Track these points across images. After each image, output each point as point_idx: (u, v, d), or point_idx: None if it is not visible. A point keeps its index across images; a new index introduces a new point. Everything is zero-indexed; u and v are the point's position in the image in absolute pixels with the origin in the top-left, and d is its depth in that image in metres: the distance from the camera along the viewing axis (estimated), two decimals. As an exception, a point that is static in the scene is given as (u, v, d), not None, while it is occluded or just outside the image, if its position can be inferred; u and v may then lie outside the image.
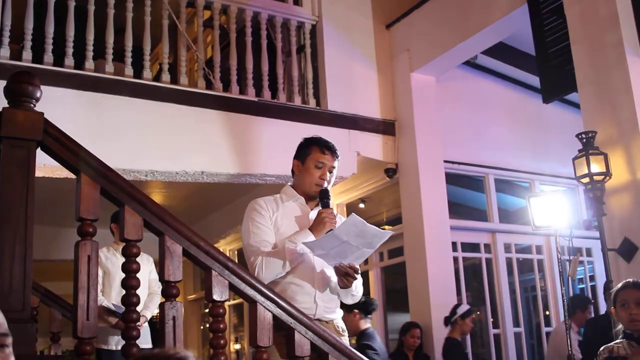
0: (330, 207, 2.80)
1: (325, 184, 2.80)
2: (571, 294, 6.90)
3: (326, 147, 2.84)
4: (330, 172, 2.83)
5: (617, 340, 2.95)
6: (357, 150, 6.08)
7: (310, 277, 2.71)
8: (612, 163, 4.34)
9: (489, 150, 6.93)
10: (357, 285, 2.79)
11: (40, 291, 4.49)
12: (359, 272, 2.69)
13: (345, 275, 2.64)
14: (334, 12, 6.37)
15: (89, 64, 5.03)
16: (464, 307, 5.71)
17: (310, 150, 2.84)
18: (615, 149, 4.38)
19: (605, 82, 4.52)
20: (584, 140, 4.44)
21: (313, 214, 2.81)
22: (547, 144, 7.28)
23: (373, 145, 6.31)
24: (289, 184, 2.96)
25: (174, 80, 5.48)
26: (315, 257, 2.68)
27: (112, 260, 4.68)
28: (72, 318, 2.08)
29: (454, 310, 5.68)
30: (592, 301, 6.19)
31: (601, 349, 2.98)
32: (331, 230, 2.64)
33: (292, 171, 2.92)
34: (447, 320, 5.66)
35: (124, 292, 2.18)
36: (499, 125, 7.11)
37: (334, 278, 2.75)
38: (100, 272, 4.44)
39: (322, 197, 2.79)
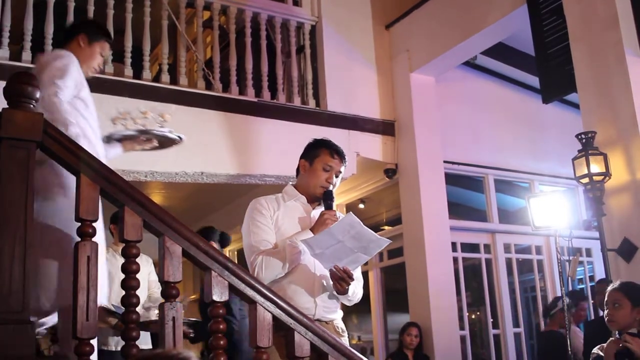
0: (334, 209, 2.80)
1: (331, 187, 2.81)
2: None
3: (336, 152, 2.85)
4: (337, 176, 2.84)
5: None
6: (356, 151, 6.09)
7: (310, 277, 2.70)
8: (611, 163, 4.34)
9: (489, 151, 6.93)
10: (355, 290, 2.77)
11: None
12: (354, 277, 2.67)
13: (340, 280, 2.63)
14: (334, 12, 6.37)
15: (89, 64, 5.03)
16: (561, 302, 5.69)
17: (320, 152, 2.84)
18: (614, 149, 4.38)
19: (605, 83, 4.52)
20: (584, 140, 4.44)
21: (315, 213, 2.81)
22: (546, 144, 7.28)
23: (373, 146, 6.32)
24: (291, 183, 2.95)
25: (174, 80, 5.47)
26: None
27: (111, 261, 4.67)
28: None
29: (554, 303, 5.66)
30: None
31: (595, 348, 3.03)
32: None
33: (297, 170, 2.92)
34: (547, 313, 5.63)
35: (123, 293, 2.18)
36: (499, 126, 7.11)
37: (332, 279, 2.75)
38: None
39: (326, 199, 2.79)
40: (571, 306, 5.58)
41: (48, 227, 2.39)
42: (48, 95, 2.59)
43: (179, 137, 3.25)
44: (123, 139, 3.23)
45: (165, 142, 3.32)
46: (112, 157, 3.20)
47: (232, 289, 2.27)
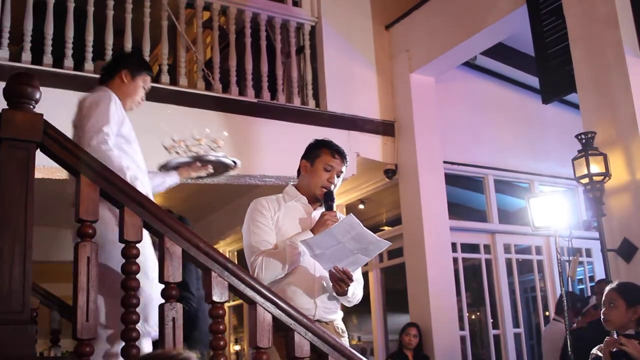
0: (334, 209, 2.80)
1: (332, 187, 2.81)
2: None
3: (337, 152, 2.85)
4: (338, 176, 2.84)
5: None
6: (356, 151, 6.08)
7: (310, 278, 2.70)
8: (611, 163, 4.34)
9: (489, 151, 6.93)
10: (355, 292, 2.77)
11: (40, 292, 4.48)
12: (353, 279, 2.67)
13: (339, 281, 2.63)
14: (334, 13, 6.37)
15: (89, 65, 5.03)
16: (594, 299, 5.74)
17: (321, 153, 2.84)
18: (614, 149, 4.39)
19: (605, 83, 4.52)
20: (584, 140, 4.44)
21: (316, 214, 2.81)
22: (546, 145, 7.28)
23: (372, 146, 6.32)
24: (292, 183, 2.95)
25: (174, 81, 5.48)
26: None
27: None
28: (71, 319, 2.09)
29: (586, 300, 5.70)
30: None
31: (594, 348, 3.04)
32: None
33: (298, 171, 2.92)
34: (579, 312, 5.67)
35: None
36: (499, 126, 7.11)
37: (332, 280, 2.74)
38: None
39: (327, 200, 2.79)
40: (598, 306, 5.61)
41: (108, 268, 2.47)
42: (97, 143, 2.65)
43: (233, 162, 3.28)
44: (179, 167, 3.29)
45: (220, 168, 3.38)
46: (168, 185, 3.27)
47: (232, 289, 2.27)
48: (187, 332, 2.24)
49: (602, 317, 3.07)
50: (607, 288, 3.10)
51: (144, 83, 3.10)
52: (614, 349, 2.82)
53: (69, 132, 2.36)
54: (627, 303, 2.97)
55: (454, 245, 6.36)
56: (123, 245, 2.15)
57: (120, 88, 2.98)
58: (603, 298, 3.09)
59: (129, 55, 3.26)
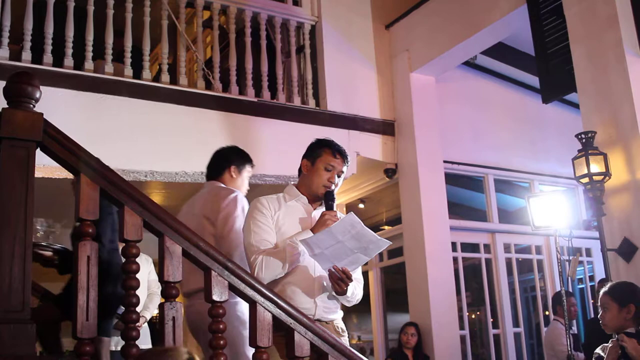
0: (335, 209, 2.80)
1: (333, 187, 2.81)
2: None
3: (338, 152, 2.85)
4: (339, 176, 2.84)
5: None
6: (356, 151, 6.08)
7: (310, 278, 2.70)
8: (611, 163, 4.34)
9: (489, 151, 6.93)
10: (355, 291, 2.77)
11: (40, 292, 4.48)
12: (352, 278, 2.67)
13: (338, 281, 2.63)
14: (334, 12, 6.37)
15: (89, 64, 5.03)
16: None
17: (322, 152, 2.84)
18: (614, 149, 4.38)
19: (605, 82, 4.52)
20: (584, 140, 4.44)
21: (316, 214, 2.81)
22: (546, 144, 7.28)
23: (372, 146, 6.31)
24: (292, 183, 2.96)
25: (174, 80, 5.47)
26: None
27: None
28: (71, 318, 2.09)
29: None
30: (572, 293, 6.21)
31: (598, 348, 3.04)
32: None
33: (299, 170, 2.92)
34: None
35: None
36: (499, 126, 7.11)
37: (332, 279, 2.74)
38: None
39: (327, 199, 2.79)
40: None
41: None
42: (234, 247, 2.95)
43: None
44: None
45: None
46: None
47: (232, 288, 2.27)
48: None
49: (600, 321, 3.07)
50: (601, 292, 3.10)
51: (248, 174, 3.43)
52: (618, 354, 2.82)
53: (69, 131, 2.36)
54: (619, 304, 2.97)
55: (454, 244, 6.36)
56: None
57: (230, 182, 3.31)
58: (600, 302, 3.08)
59: (232, 152, 3.49)
